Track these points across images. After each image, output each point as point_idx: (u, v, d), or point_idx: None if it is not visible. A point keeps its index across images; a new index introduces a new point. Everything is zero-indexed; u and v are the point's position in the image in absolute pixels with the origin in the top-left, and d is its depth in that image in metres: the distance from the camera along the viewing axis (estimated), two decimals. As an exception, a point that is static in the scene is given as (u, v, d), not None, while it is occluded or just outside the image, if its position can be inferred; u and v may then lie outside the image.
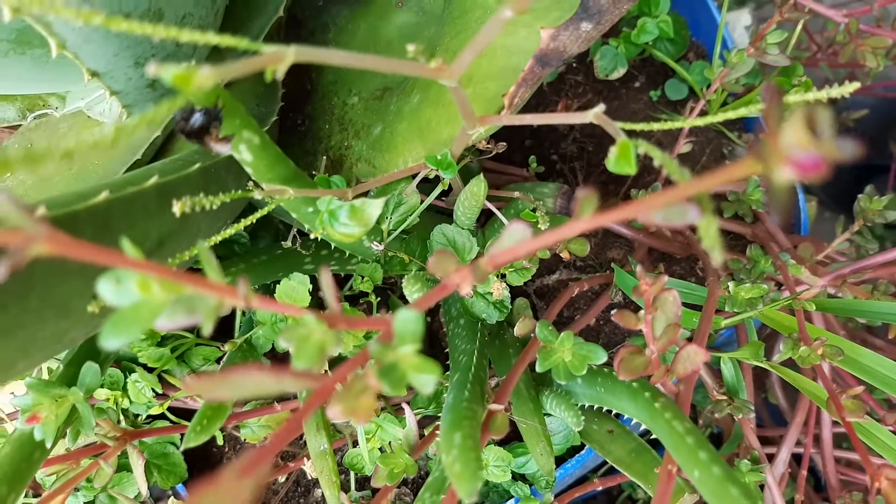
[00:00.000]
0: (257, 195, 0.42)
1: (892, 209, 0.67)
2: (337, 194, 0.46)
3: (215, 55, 0.60)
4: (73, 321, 0.38)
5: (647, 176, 0.83)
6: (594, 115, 0.38)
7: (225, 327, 0.71)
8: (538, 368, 0.48)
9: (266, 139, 0.42)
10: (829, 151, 0.20)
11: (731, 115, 0.36)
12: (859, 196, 0.67)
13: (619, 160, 0.34)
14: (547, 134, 0.87)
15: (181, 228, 0.44)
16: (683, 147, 0.73)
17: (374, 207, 0.43)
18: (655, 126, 0.37)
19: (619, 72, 0.79)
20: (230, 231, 0.43)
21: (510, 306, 0.62)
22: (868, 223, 0.66)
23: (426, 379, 0.29)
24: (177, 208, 0.36)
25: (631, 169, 0.33)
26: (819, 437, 0.72)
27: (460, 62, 0.35)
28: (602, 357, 0.48)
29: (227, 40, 0.29)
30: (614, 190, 0.83)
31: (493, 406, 0.46)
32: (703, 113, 0.81)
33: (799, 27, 0.72)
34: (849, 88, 0.35)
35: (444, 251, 0.35)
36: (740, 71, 0.69)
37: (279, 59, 0.28)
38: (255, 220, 0.72)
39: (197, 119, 0.37)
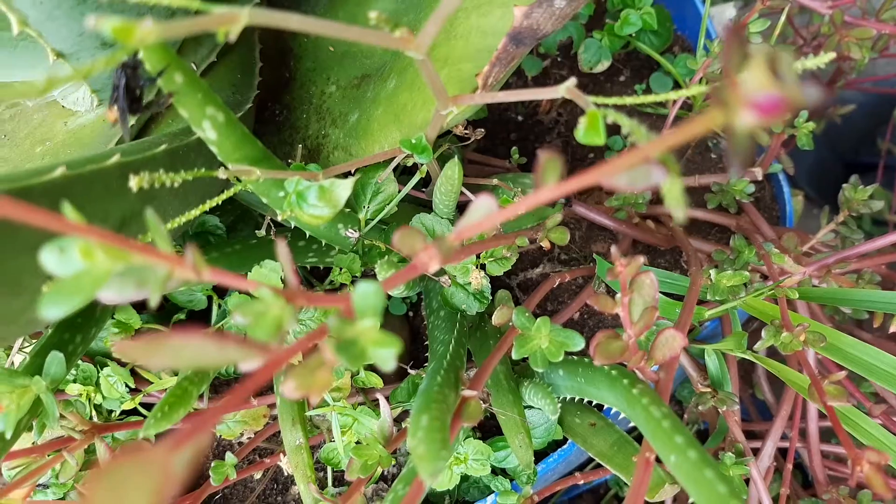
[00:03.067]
0: (222, 174, 0.41)
1: (878, 199, 0.67)
2: (306, 176, 0.45)
3: (191, 41, 0.59)
4: (28, 300, 0.37)
5: (632, 169, 0.82)
6: (565, 89, 0.37)
7: (205, 319, 0.70)
8: (514, 355, 0.47)
9: (231, 116, 0.41)
10: (790, 93, 0.19)
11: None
12: (844, 186, 0.66)
13: (588, 130, 0.33)
14: (532, 127, 0.86)
15: (142, 209, 0.43)
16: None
17: (343, 188, 0.42)
18: (628, 100, 0.37)
19: (604, 65, 0.78)
20: (196, 212, 0.41)
21: (490, 297, 0.61)
22: (853, 213, 0.66)
23: (386, 353, 0.28)
24: (134, 183, 0.35)
25: (600, 139, 0.32)
26: (805, 430, 0.71)
27: (426, 31, 0.34)
28: (580, 343, 0.47)
29: (195, 4, 0.28)
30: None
31: (467, 392, 0.44)
32: (686, 104, 0.80)
33: (783, 17, 0.72)
34: (823, 59, 0.34)
35: (411, 228, 0.34)
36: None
37: (232, 19, 0.27)
38: (234, 215, 0.71)
39: (119, 77, 0.35)
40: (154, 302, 0.26)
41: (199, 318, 0.71)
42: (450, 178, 0.50)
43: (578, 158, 0.84)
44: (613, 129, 0.81)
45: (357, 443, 0.57)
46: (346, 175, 0.60)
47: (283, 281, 0.53)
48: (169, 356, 0.23)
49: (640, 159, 0.25)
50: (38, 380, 0.47)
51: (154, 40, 0.24)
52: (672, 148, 0.24)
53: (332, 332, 0.29)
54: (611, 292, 0.74)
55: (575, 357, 0.57)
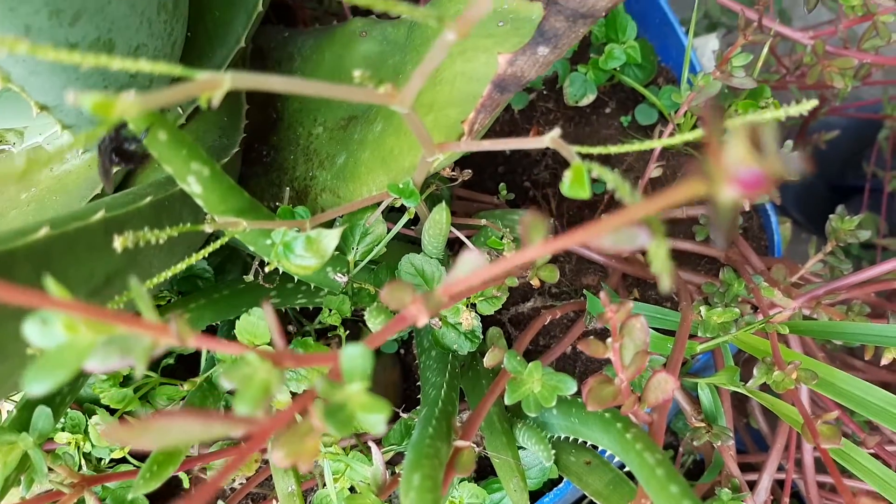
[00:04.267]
0: (208, 228, 0.40)
1: (866, 228, 0.67)
2: (293, 225, 0.45)
3: (174, 82, 0.59)
4: (13, 365, 0.36)
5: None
6: (550, 139, 0.37)
7: (193, 365, 0.69)
8: (507, 401, 0.46)
9: (216, 170, 0.41)
10: (773, 168, 0.19)
11: (688, 136, 0.35)
12: (831, 216, 0.66)
13: (573, 184, 0.33)
14: (520, 160, 0.86)
15: (131, 265, 0.43)
16: (654, 171, 0.72)
17: (330, 238, 0.42)
18: (612, 149, 0.37)
19: (589, 98, 0.79)
20: (182, 265, 0.41)
21: (482, 336, 0.61)
22: (841, 243, 0.66)
23: (375, 419, 0.28)
24: (118, 244, 0.34)
25: (585, 193, 0.32)
26: (801, 461, 0.71)
27: (410, 87, 0.34)
28: (572, 387, 0.46)
29: (177, 70, 0.28)
30: (589, 215, 0.83)
31: (460, 443, 0.44)
32: (672, 137, 0.81)
33: (765, 49, 0.73)
34: (807, 106, 0.34)
35: (399, 282, 0.34)
36: (707, 94, 0.69)
37: (214, 85, 0.27)
38: (222, 256, 0.71)
39: (104, 142, 0.36)
40: (139, 372, 0.26)
41: (189, 362, 0.70)
42: (437, 223, 0.50)
43: (567, 191, 0.84)
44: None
45: (350, 489, 0.57)
46: (333, 220, 0.60)
47: (288, 333, 0.53)
48: (156, 437, 0.22)
49: (625, 221, 0.25)
50: (25, 436, 0.46)
51: (135, 113, 0.24)
52: (658, 210, 0.24)
53: (320, 395, 0.28)
54: (603, 327, 0.73)
55: (569, 396, 0.57)
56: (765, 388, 0.61)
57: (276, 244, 0.42)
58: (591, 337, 0.43)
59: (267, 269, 0.43)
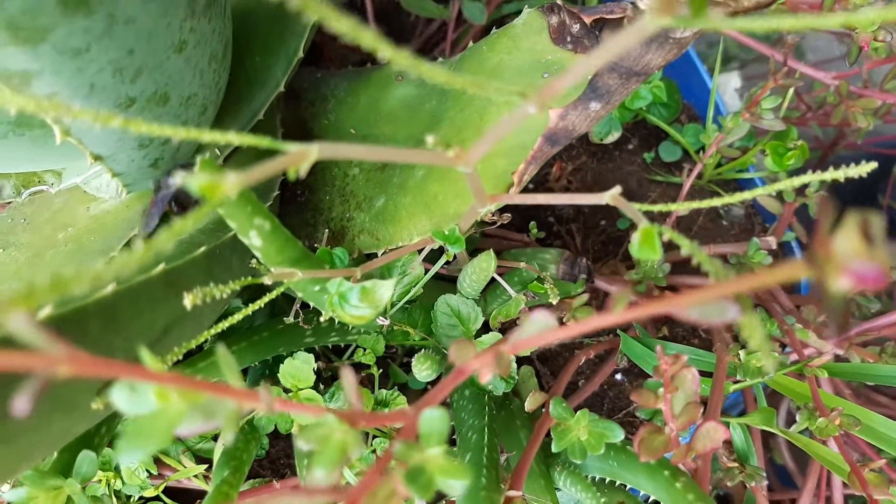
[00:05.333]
0: (267, 280, 0.41)
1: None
2: (345, 274, 0.45)
3: (216, 127, 0.60)
4: (78, 418, 0.36)
5: (645, 237, 0.82)
6: (610, 196, 0.38)
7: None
8: (554, 448, 0.46)
9: (276, 224, 0.41)
10: (884, 260, 0.20)
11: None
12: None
13: (643, 246, 0.33)
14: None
15: (186, 313, 0.43)
16: (682, 211, 0.73)
17: (385, 289, 0.42)
18: (674, 206, 0.37)
19: (614, 136, 0.80)
20: (239, 316, 0.41)
21: (516, 377, 0.61)
22: (870, 284, 0.66)
23: (455, 484, 0.28)
24: (188, 302, 0.35)
25: (655, 254, 0.33)
26: (830, 499, 0.71)
27: (477, 150, 0.34)
28: (619, 435, 0.47)
29: (242, 138, 0.29)
30: (613, 251, 0.83)
31: (511, 493, 0.44)
32: (699, 175, 0.82)
33: (790, 92, 0.74)
34: (866, 168, 0.35)
35: (464, 340, 0.34)
36: (736, 135, 0.70)
37: (303, 157, 0.27)
38: (252, 293, 0.71)
39: (163, 191, 0.36)
40: (227, 439, 0.26)
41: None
42: (483, 270, 0.51)
43: (590, 227, 0.85)
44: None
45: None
46: (372, 255, 0.60)
47: (317, 371, 0.53)
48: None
49: (714, 296, 0.25)
50: (71, 482, 0.46)
51: (236, 192, 0.24)
52: (747, 288, 0.25)
53: (398, 457, 0.29)
54: (632, 365, 0.74)
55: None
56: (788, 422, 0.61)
57: (330, 295, 0.42)
58: (643, 389, 0.43)
59: (323, 319, 0.43)
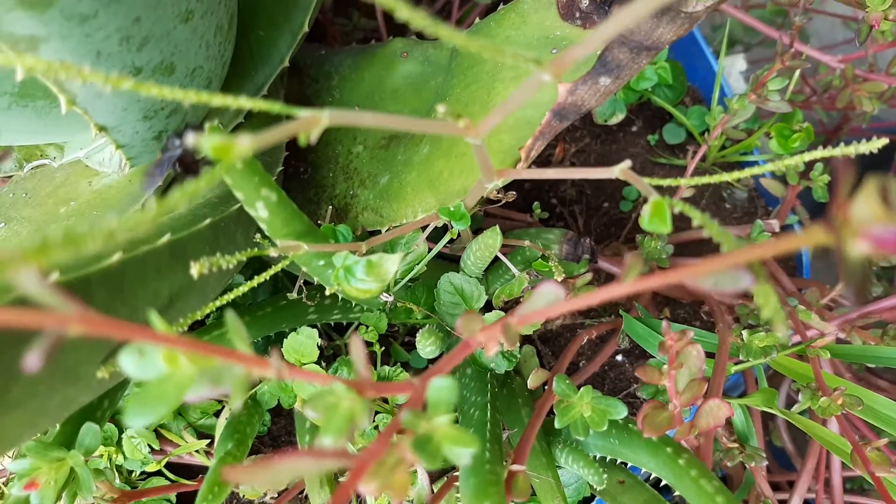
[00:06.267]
0: (273, 253, 0.41)
1: (895, 252, 0.68)
2: (351, 248, 0.45)
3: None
4: (82, 387, 0.36)
5: (648, 219, 0.82)
6: (619, 170, 0.37)
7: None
8: (557, 424, 0.47)
9: (283, 195, 0.41)
10: (902, 225, 0.20)
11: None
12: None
13: (653, 218, 0.33)
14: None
15: (191, 285, 0.43)
16: (686, 192, 0.73)
17: (391, 263, 0.42)
18: (683, 181, 0.37)
19: (618, 117, 0.79)
20: (244, 288, 0.41)
21: (518, 355, 0.61)
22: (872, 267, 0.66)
23: (462, 452, 0.28)
24: (194, 270, 0.34)
25: (666, 227, 0.33)
26: (829, 481, 0.71)
27: (488, 121, 0.34)
28: (622, 412, 0.47)
29: (254, 102, 0.29)
30: (615, 232, 0.83)
31: (515, 467, 0.44)
32: (702, 158, 0.81)
33: (797, 74, 0.73)
34: (876, 144, 0.34)
35: (471, 312, 0.34)
36: (741, 117, 0.69)
37: (314, 123, 0.27)
38: (252, 268, 0.71)
39: (174, 147, 0.36)
40: (235, 405, 0.26)
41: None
42: (489, 247, 0.51)
43: (593, 208, 0.85)
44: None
45: (390, 507, 0.57)
46: (376, 233, 0.60)
47: (319, 348, 0.53)
48: (276, 476, 0.22)
49: (726, 264, 0.25)
50: (74, 454, 0.46)
51: (248, 153, 0.24)
52: (759, 257, 0.25)
53: (406, 426, 0.29)
54: (633, 345, 0.74)
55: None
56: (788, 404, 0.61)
57: (336, 268, 0.42)
58: (647, 366, 0.43)
59: (328, 293, 0.43)
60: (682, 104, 0.86)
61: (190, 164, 0.43)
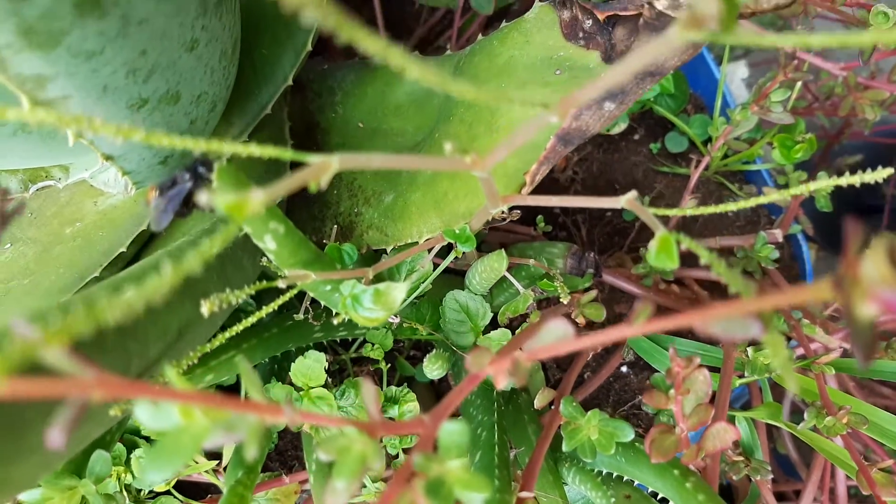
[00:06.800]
0: (282, 284, 0.41)
1: None
2: (357, 275, 0.45)
3: (224, 123, 0.60)
4: (95, 424, 0.37)
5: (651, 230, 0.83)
6: (626, 200, 0.37)
7: (234, 390, 0.69)
8: (565, 448, 0.47)
9: (290, 226, 0.41)
10: (915, 289, 0.20)
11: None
12: (867, 251, 0.67)
13: (660, 254, 0.33)
14: (549, 187, 0.87)
15: (199, 316, 0.43)
16: (689, 203, 0.73)
17: (398, 292, 0.42)
18: (689, 210, 0.37)
19: (621, 127, 0.79)
20: (254, 318, 0.41)
21: (524, 371, 0.61)
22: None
23: (474, 496, 0.28)
24: (205, 309, 0.35)
25: (673, 263, 0.33)
26: (834, 491, 0.72)
27: (494, 156, 0.34)
28: (629, 434, 0.47)
29: (264, 150, 0.29)
30: (619, 242, 0.83)
31: (524, 494, 0.45)
32: (705, 167, 0.81)
33: (799, 84, 0.73)
34: (883, 174, 0.35)
35: (481, 348, 0.35)
36: (744, 128, 0.69)
37: (325, 168, 0.27)
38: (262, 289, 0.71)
39: (183, 181, 0.36)
40: (250, 455, 0.26)
41: (229, 390, 0.71)
42: (495, 270, 0.51)
43: (596, 217, 0.85)
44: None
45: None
46: (381, 251, 0.60)
47: (325, 371, 0.53)
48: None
49: (737, 311, 0.25)
50: (86, 482, 0.47)
51: (261, 206, 0.24)
52: (771, 307, 0.25)
53: (418, 468, 0.29)
54: (638, 358, 0.74)
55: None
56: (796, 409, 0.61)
57: (343, 297, 0.42)
58: (653, 390, 0.44)
59: (335, 322, 0.43)
60: (685, 112, 0.86)
61: (193, 203, 0.43)
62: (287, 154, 0.28)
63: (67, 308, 0.27)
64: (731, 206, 0.38)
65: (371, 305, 0.42)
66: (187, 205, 0.42)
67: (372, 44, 0.21)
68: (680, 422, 0.44)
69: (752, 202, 0.37)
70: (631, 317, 0.29)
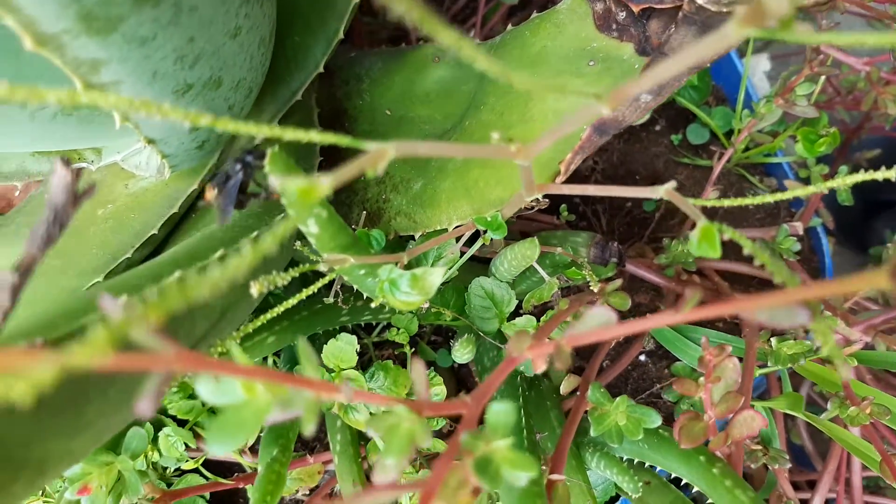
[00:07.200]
0: (323, 268, 0.42)
1: (919, 257, 0.68)
2: (392, 259, 0.46)
3: (255, 109, 0.60)
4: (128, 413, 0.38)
5: (671, 219, 0.83)
6: (665, 191, 0.38)
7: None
8: (593, 432, 0.48)
9: (332, 211, 0.42)
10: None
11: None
12: (888, 245, 0.68)
13: (702, 243, 0.34)
14: (570, 177, 0.87)
15: (240, 298, 0.44)
16: (711, 194, 0.74)
17: (435, 276, 0.43)
18: (727, 202, 0.38)
19: (644, 118, 0.80)
20: (294, 300, 0.42)
21: (548, 358, 0.62)
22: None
23: (521, 475, 0.29)
24: (255, 290, 0.35)
25: (715, 252, 0.34)
26: (849, 481, 0.72)
27: (538, 145, 0.35)
28: (657, 421, 0.48)
29: (324, 136, 0.29)
30: (639, 232, 0.84)
31: (554, 476, 0.46)
32: (727, 159, 0.82)
33: (822, 79, 0.74)
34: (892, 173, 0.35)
35: (523, 332, 0.35)
36: (768, 121, 0.70)
37: (382, 156, 0.28)
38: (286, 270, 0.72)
39: (235, 170, 0.37)
40: (307, 430, 0.27)
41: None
42: (527, 257, 0.52)
43: (616, 208, 0.85)
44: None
45: None
46: (409, 237, 0.61)
47: (357, 353, 0.54)
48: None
49: (784, 300, 0.26)
50: (123, 458, 0.48)
51: (327, 192, 0.25)
52: (816, 296, 0.25)
53: (465, 447, 0.30)
54: (658, 346, 0.75)
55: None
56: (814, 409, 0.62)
57: (381, 280, 0.43)
58: (682, 378, 0.44)
59: (374, 305, 0.44)
60: (706, 104, 0.86)
61: (248, 193, 0.44)
62: (345, 141, 0.28)
63: (160, 286, 0.28)
64: (756, 200, 0.39)
65: (408, 290, 0.43)
66: (244, 193, 0.43)
67: (447, 35, 0.22)
68: (708, 409, 0.45)
69: (777, 196, 0.38)
70: (676, 304, 0.29)
